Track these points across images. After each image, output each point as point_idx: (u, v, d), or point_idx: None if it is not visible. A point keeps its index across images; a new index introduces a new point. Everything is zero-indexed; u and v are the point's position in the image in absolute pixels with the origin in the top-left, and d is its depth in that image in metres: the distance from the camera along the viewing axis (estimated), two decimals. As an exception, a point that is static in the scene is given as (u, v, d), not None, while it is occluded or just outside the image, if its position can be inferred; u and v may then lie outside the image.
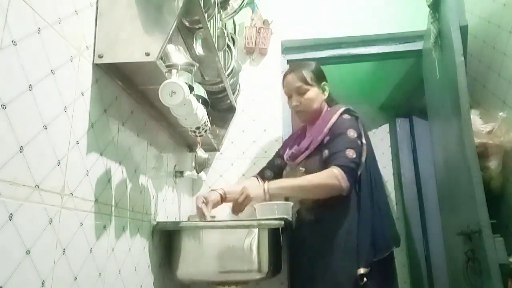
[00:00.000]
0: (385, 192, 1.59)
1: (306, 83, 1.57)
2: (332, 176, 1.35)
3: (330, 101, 1.66)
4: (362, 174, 1.44)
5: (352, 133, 1.44)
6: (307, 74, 1.57)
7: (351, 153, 1.39)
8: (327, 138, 1.48)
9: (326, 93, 1.62)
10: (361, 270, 1.33)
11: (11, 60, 0.67)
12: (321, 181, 1.37)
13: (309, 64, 1.63)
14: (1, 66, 0.65)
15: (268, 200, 1.43)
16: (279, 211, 1.47)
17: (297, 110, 1.62)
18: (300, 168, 1.54)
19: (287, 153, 1.66)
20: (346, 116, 1.51)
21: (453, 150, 1.70)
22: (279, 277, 1.76)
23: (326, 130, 1.49)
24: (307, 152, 1.54)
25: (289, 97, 1.63)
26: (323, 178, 1.37)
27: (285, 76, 1.64)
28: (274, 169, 1.76)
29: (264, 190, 1.39)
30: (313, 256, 1.45)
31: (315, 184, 1.38)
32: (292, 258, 1.63)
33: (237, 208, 1.40)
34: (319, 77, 1.60)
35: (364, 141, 1.48)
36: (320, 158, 1.48)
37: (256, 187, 1.44)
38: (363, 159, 1.45)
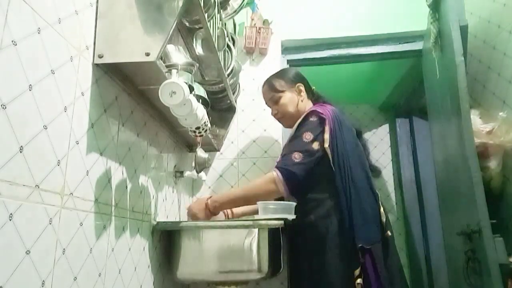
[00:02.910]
0: (370, 189, 1.47)
1: (277, 90, 1.63)
2: (269, 181, 1.41)
3: (316, 100, 1.68)
4: (336, 176, 1.40)
5: (308, 137, 1.43)
6: (276, 82, 1.65)
7: (297, 157, 1.40)
8: None
9: (303, 94, 1.64)
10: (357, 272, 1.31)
11: (11, 60, 0.67)
12: (258, 189, 1.44)
13: (280, 72, 1.71)
14: (1, 66, 0.65)
15: (212, 214, 1.51)
16: (282, 211, 1.44)
17: (277, 118, 1.70)
18: None
19: None
20: (311, 118, 1.48)
21: (453, 150, 1.70)
22: (279, 277, 1.76)
23: (292, 132, 1.54)
24: (280, 156, 1.52)
25: (270, 107, 1.71)
26: (260, 184, 1.44)
27: (262, 90, 1.72)
28: None
29: (206, 205, 1.48)
30: (307, 257, 1.44)
31: (254, 193, 1.45)
32: (291, 259, 1.63)
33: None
34: (291, 81, 1.64)
35: (326, 144, 1.42)
36: None
37: (199, 203, 1.52)
38: (328, 160, 1.41)
